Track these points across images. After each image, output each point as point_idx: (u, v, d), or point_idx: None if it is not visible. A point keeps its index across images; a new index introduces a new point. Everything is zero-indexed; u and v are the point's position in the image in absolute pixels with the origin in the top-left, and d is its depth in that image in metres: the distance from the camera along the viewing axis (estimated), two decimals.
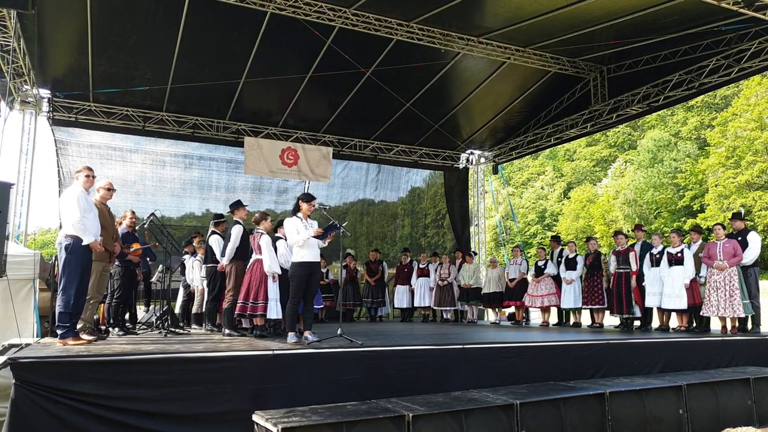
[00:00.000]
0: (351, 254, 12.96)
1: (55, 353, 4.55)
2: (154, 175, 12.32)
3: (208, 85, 10.67)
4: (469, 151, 15.28)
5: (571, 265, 9.94)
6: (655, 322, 9.01)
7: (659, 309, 8.73)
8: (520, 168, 47.57)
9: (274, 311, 6.62)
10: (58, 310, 5.39)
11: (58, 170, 11.27)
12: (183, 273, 9.32)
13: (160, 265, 8.44)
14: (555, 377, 5.69)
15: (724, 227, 8.29)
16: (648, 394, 5.22)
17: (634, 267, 8.83)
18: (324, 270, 11.28)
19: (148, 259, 8.20)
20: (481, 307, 12.20)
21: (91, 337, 5.87)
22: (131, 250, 7.17)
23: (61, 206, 5.57)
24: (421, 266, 12.31)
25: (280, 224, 7.14)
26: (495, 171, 15.30)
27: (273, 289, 6.67)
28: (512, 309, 11.45)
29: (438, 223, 15.94)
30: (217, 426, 4.46)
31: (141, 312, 9.23)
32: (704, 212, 31.33)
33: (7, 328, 6.70)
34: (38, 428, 3.97)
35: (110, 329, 7.13)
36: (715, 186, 31.10)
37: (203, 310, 8.20)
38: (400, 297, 12.43)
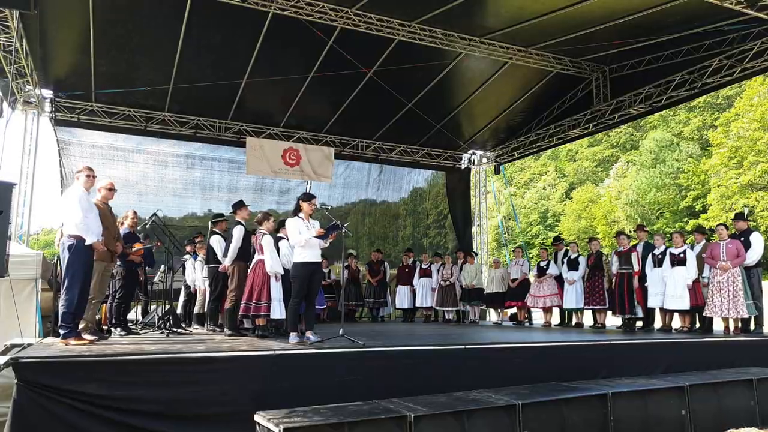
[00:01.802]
0: (353, 254, 12.96)
1: (58, 353, 4.56)
2: (156, 175, 12.33)
3: (210, 85, 10.67)
4: (471, 152, 15.27)
5: (573, 265, 9.93)
6: (658, 323, 8.99)
7: (662, 309, 8.72)
8: (522, 168, 47.49)
9: (278, 311, 6.62)
10: (61, 310, 5.39)
11: (61, 170, 11.29)
12: (184, 273, 9.34)
13: (162, 266, 8.44)
14: (557, 378, 5.67)
15: (727, 228, 8.27)
16: (650, 395, 5.20)
17: (636, 267, 8.82)
18: (326, 270, 11.28)
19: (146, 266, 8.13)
20: (484, 307, 12.19)
21: (93, 337, 5.88)
22: (133, 250, 7.17)
23: (63, 206, 5.58)
24: (423, 266, 12.30)
25: (281, 224, 7.15)
26: (497, 171, 15.28)
27: (276, 289, 6.67)
28: (514, 309, 11.45)
29: (440, 224, 15.93)
30: (218, 426, 4.46)
31: (137, 313, 9.24)
32: (707, 213, 31.26)
33: (9, 328, 6.71)
34: (40, 428, 3.98)
35: (112, 329, 7.14)
36: (718, 186, 31.01)
37: (205, 310, 8.21)
38: (402, 297, 12.42)
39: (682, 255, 8.33)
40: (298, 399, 4.42)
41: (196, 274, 8.95)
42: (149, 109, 11.72)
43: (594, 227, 36.97)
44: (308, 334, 5.89)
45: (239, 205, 7.41)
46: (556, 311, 10.66)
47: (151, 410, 4.30)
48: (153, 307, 9.11)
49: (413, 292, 12.32)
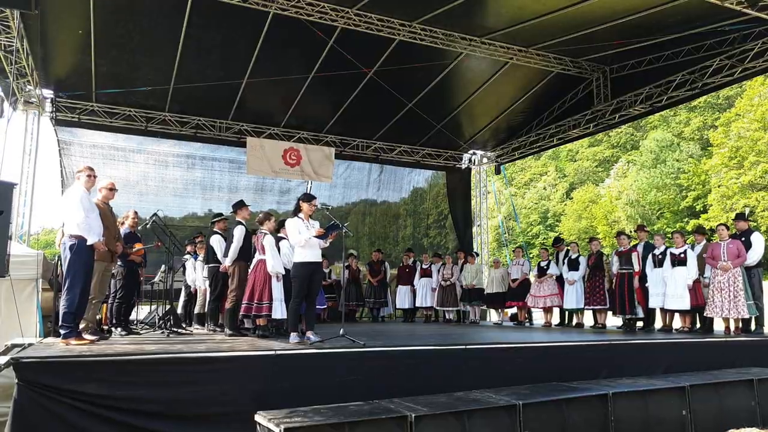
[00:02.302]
0: (353, 254, 12.95)
1: (58, 353, 4.56)
2: (157, 175, 12.33)
3: (211, 85, 10.67)
4: (471, 152, 15.26)
5: (573, 265, 9.93)
6: (658, 323, 8.98)
7: (662, 310, 8.71)
8: (523, 168, 47.50)
9: (279, 311, 6.63)
10: (62, 310, 5.39)
11: (61, 170, 11.29)
12: (184, 273, 9.33)
13: (163, 266, 8.44)
14: (558, 378, 5.67)
15: (727, 228, 8.27)
16: (651, 395, 5.20)
17: (636, 267, 8.81)
18: (326, 270, 11.28)
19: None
20: (484, 307, 12.19)
21: (93, 337, 5.88)
22: (133, 250, 7.17)
23: (64, 206, 5.58)
24: (423, 266, 12.30)
25: (282, 224, 7.15)
26: (497, 171, 15.28)
27: (277, 289, 6.67)
28: (514, 309, 11.44)
29: (440, 224, 15.93)
30: (219, 426, 4.46)
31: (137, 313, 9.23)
32: (707, 213, 31.27)
33: (10, 328, 6.72)
34: (40, 428, 3.98)
35: (113, 329, 7.14)
36: (718, 187, 31.03)
37: (206, 310, 8.21)
38: (402, 297, 12.42)
39: (682, 255, 8.32)
40: (298, 399, 4.43)
41: (196, 274, 8.95)
42: (150, 109, 11.71)
43: (594, 227, 36.97)
44: (309, 334, 5.89)
45: (240, 205, 7.41)
46: (556, 311, 10.66)
47: (152, 410, 4.31)
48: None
49: (413, 292, 12.32)
